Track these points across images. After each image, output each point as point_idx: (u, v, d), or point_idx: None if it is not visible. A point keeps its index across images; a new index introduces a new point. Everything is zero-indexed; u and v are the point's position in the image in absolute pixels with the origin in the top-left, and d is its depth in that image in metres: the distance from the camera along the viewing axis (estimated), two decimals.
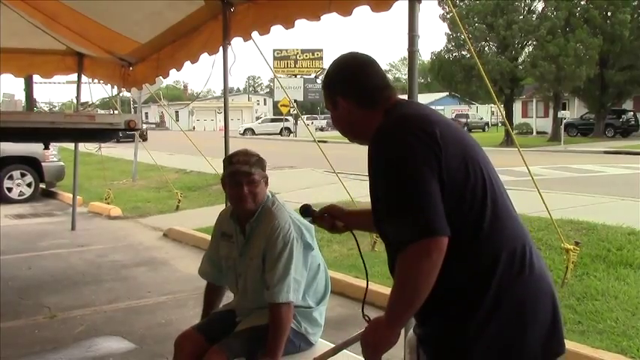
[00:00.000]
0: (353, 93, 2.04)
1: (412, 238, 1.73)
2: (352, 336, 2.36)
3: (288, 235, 2.91)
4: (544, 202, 5.29)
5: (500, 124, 51.31)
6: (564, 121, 33.08)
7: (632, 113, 38.57)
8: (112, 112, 10.78)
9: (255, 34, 5.06)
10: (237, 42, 5.41)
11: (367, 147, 1.96)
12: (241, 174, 2.92)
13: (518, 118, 45.85)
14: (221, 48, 5.45)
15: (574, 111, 42.14)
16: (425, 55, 55.25)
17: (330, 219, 2.49)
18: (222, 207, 6.24)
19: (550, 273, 2.01)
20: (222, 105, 6.15)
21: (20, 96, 21.18)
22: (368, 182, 1.98)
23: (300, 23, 4.58)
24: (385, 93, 2.04)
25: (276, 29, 4.78)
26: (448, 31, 34.52)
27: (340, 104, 2.06)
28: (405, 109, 1.99)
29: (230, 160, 2.98)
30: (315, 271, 3.08)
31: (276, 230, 2.91)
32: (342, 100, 2.06)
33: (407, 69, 3.97)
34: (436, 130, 1.83)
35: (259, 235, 2.97)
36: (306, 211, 2.59)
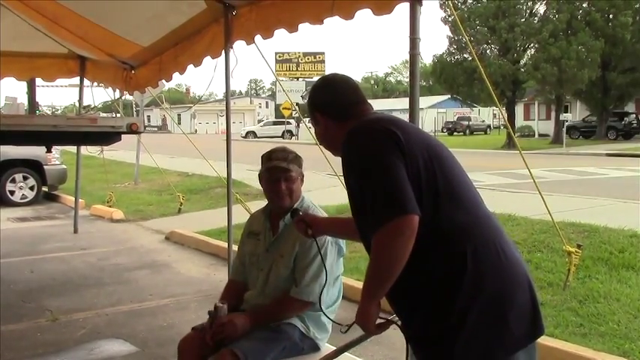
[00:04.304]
0: (327, 108, 2.30)
1: (386, 218, 1.88)
2: (354, 339, 2.37)
3: (323, 238, 2.92)
4: (546, 205, 5.29)
5: (502, 127, 51.31)
6: (566, 123, 33.07)
7: (634, 115, 38.54)
8: (114, 116, 10.79)
9: (257, 37, 5.08)
10: (239, 45, 5.44)
11: None
12: (279, 170, 2.99)
13: (520, 121, 45.85)
14: (223, 51, 5.46)
15: (576, 113, 42.14)
16: (426, 58, 55.36)
17: (304, 225, 2.67)
18: (224, 210, 6.27)
19: (525, 263, 2.12)
20: (224, 108, 6.16)
21: (23, 99, 21.19)
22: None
23: (302, 27, 4.60)
24: (358, 107, 2.28)
25: (279, 33, 4.80)
26: (450, 33, 34.58)
27: (319, 119, 2.33)
28: (371, 116, 2.24)
29: (269, 157, 3.03)
30: (336, 277, 3.10)
31: None
32: (319, 115, 2.32)
33: (408, 72, 3.98)
34: (398, 130, 2.02)
35: (293, 234, 2.95)
36: (294, 213, 2.78)
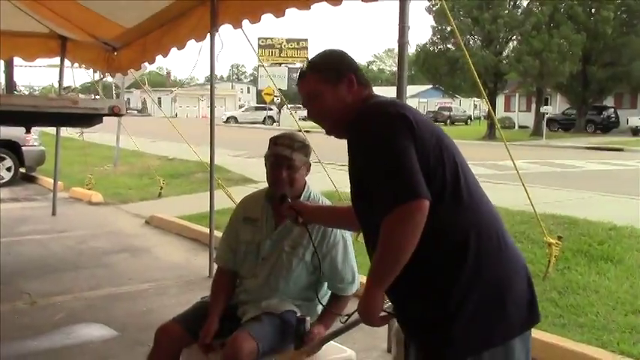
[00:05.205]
0: (348, 73, 2.16)
1: (397, 202, 1.85)
2: (343, 326, 2.36)
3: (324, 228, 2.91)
4: (528, 196, 5.32)
5: (483, 118, 51.60)
6: (546, 116, 33.38)
7: (612, 110, 39.06)
8: (94, 97, 10.67)
9: (244, 22, 5.03)
10: (222, 29, 5.38)
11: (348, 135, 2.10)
12: (282, 158, 2.91)
13: (500, 112, 46.15)
14: (208, 35, 5.41)
15: (556, 106, 42.57)
16: (410, 47, 55.25)
17: (294, 213, 2.62)
18: (206, 194, 6.22)
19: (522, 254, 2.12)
20: (205, 92, 6.10)
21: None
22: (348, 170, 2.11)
23: (288, 12, 4.57)
24: (368, 90, 2.20)
25: (265, 17, 4.76)
26: (434, 23, 34.63)
27: (329, 90, 2.15)
28: (380, 98, 2.17)
29: (275, 142, 2.97)
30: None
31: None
32: (333, 85, 2.15)
33: (391, 60, 3.99)
34: (410, 115, 1.99)
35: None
36: (282, 199, 2.71)
